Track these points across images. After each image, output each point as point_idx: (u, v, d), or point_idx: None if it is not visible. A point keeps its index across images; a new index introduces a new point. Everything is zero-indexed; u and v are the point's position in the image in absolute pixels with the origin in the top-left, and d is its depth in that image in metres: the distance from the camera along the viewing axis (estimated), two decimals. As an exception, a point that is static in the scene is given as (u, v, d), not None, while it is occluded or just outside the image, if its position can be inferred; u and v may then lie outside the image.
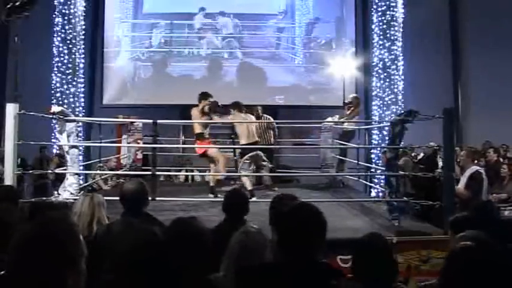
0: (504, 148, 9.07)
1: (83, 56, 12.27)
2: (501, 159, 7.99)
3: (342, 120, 8.86)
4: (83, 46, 12.24)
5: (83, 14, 12.21)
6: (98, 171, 8.41)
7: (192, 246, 1.90)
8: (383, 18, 11.90)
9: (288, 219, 2.02)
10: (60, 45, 11.82)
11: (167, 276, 1.76)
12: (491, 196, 6.62)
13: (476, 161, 6.66)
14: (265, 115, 8.49)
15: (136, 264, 1.76)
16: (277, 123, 8.60)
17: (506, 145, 9.26)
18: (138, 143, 9.08)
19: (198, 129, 7.19)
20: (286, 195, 3.11)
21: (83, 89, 12.25)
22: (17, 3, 5.19)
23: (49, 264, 1.36)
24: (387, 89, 11.82)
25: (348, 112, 8.78)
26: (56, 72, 11.80)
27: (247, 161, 7.05)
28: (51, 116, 5.91)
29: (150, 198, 3.52)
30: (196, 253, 1.90)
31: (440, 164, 7.31)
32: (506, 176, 7.05)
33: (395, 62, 11.86)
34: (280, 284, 1.90)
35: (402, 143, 5.92)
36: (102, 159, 8.57)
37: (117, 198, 3.41)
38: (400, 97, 11.80)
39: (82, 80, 12.25)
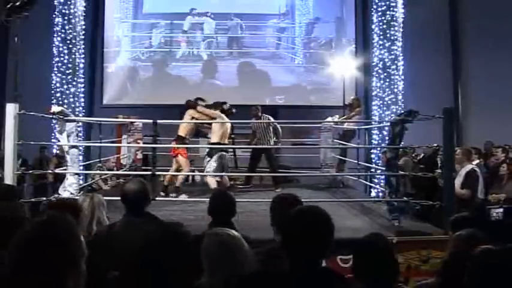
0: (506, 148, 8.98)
1: (83, 56, 12.29)
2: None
3: (342, 120, 8.87)
4: (83, 46, 12.26)
5: (83, 14, 12.23)
6: (98, 171, 8.40)
7: (172, 250, 1.83)
8: (383, 18, 11.91)
9: (296, 222, 1.96)
10: (60, 45, 11.84)
11: (169, 277, 1.75)
12: (490, 196, 6.61)
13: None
14: (265, 115, 8.47)
15: (146, 262, 1.75)
16: (277, 123, 8.58)
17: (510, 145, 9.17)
18: (138, 143, 9.07)
19: (182, 133, 7.27)
20: (288, 195, 3.03)
21: (83, 89, 12.27)
22: (17, 3, 5.19)
23: (50, 264, 1.35)
24: (387, 89, 11.83)
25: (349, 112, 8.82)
26: (56, 72, 11.81)
27: (215, 164, 7.01)
28: (51, 116, 5.89)
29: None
30: (177, 257, 1.83)
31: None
32: (505, 176, 7.02)
33: (395, 62, 11.87)
34: None
35: (402, 143, 5.92)
36: (102, 159, 8.56)
37: (117, 198, 3.40)
38: (400, 97, 11.82)
39: (82, 80, 12.26)
